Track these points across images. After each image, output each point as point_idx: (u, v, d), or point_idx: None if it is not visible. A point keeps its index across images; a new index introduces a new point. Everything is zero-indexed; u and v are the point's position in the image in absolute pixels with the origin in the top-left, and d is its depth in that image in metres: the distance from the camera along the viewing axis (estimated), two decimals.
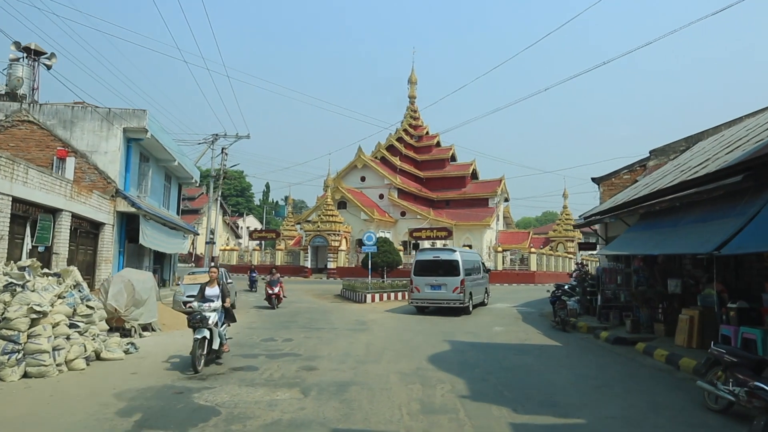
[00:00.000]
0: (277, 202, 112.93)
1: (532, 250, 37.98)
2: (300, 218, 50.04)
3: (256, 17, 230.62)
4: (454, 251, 18.39)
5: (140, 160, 17.95)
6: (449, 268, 17.26)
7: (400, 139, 54.79)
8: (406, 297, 21.93)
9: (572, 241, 47.30)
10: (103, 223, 14.85)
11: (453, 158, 56.87)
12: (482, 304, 20.21)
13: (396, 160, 50.74)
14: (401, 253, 38.52)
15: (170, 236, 20.27)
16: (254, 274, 27.98)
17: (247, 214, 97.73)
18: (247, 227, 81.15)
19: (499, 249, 38.37)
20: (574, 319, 13.83)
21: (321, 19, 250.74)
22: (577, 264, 23.74)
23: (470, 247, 39.32)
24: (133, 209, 15.57)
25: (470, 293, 17.92)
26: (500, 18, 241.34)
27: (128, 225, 16.58)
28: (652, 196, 10.35)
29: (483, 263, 22.34)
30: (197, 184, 27.35)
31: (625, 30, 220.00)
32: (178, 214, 25.31)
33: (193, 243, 74.05)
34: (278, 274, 19.39)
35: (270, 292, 18.30)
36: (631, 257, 13.47)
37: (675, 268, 12.02)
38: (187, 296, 15.07)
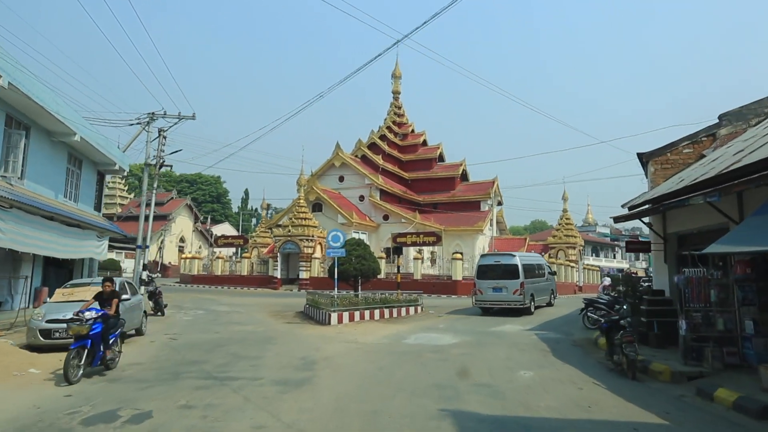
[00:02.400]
0: (256, 209, 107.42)
1: None
2: (270, 222, 44.74)
3: (244, 18, 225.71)
4: (514, 255, 19.32)
5: (5, 125, 12.70)
6: (509, 271, 18.23)
7: (383, 137, 49.98)
8: (386, 315, 16.94)
9: (574, 248, 42.68)
10: None
11: (441, 158, 52.16)
12: (549, 304, 21.42)
13: (378, 159, 45.83)
14: (382, 261, 33.50)
15: (67, 236, 14.99)
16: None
17: (222, 222, 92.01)
18: (221, 235, 75.53)
19: None
20: (642, 357, 8.83)
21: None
22: (617, 272, 18.92)
23: (461, 255, 34.41)
24: None
25: (531, 295, 18.84)
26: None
27: None
28: None
29: (548, 266, 23.45)
30: (125, 173, 22.04)
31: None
32: (97, 209, 19.97)
33: (160, 250, 68.58)
34: (113, 287, 11.44)
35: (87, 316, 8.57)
36: (730, 261, 8.65)
37: None
38: (49, 320, 9.93)
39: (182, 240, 74.74)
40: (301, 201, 38.22)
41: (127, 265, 63.97)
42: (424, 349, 10.67)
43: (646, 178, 14.24)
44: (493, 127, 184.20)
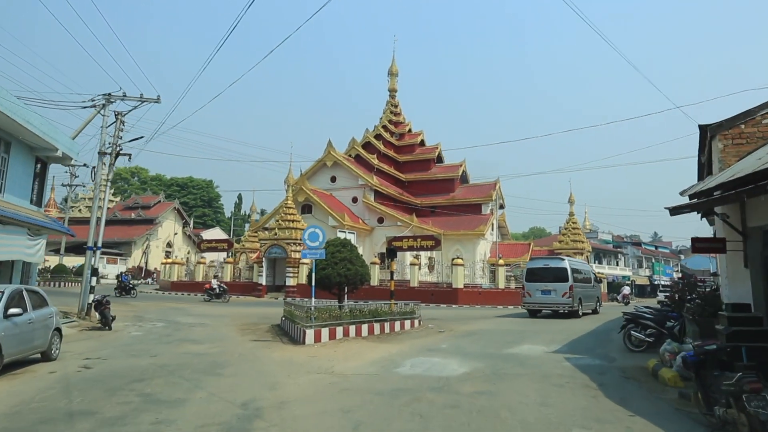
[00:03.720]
0: (249, 214, 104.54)
1: None
2: (257, 225, 41.71)
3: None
4: (563, 259, 19.98)
5: None
6: (558, 274, 18.70)
7: (378, 137, 47.16)
8: (377, 331, 13.96)
9: (582, 253, 39.73)
10: None
11: (439, 159, 49.31)
12: (594, 311, 21.53)
13: (373, 159, 42.95)
14: (375, 267, 30.49)
15: None
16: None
17: (214, 227, 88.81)
18: (205, 239, 72.30)
19: (501, 262, 30.53)
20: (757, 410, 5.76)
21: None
22: (680, 279, 15.90)
23: (461, 260, 31.45)
24: None
25: (579, 299, 19.25)
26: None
27: None
28: None
29: (594, 273, 23.99)
30: (72, 162, 19.01)
31: None
32: (37, 204, 16.91)
33: (145, 255, 65.28)
34: None
35: None
36: None
37: None
38: None
39: (169, 245, 71.53)
40: (289, 202, 35.31)
41: (109, 270, 60.86)
42: (423, 385, 7.66)
43: (702, 159, 11.36)
44: (492, 129, 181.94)
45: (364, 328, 13.75)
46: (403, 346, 12.14)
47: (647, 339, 10.84)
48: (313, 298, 13.25)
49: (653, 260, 75.54)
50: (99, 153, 18.71)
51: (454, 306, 28.56)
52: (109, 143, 18.81)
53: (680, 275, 31.03)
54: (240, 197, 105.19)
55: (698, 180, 12.95)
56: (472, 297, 29.76)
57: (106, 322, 15.41)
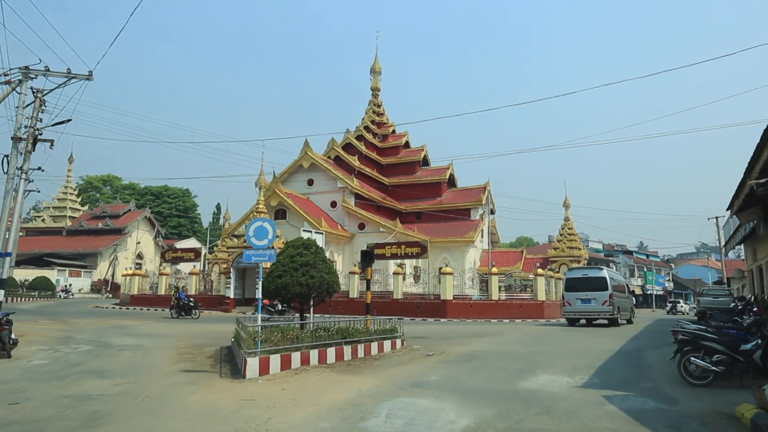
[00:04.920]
0: (224, 223, 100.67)
1: (539, 272, 27.34)
2: (226, 232, 38.32)
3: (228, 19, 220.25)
4: (602, 269, 20.70)
5: None
6: (597, 283, 19.30)
7: (360, 138, 44.22)
8: (347, 356, 10.84)
9: (578, 261, 37.02)
10: None
11: (425, 162, 46.48)
12: (629, 322, 21.98)
13: (354, 160, 39.95)
14: (355, 277, 27.36)
15: None
16: None
17: (189, 237, 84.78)
18: (171, 248, 68.34)
19: (494, 270, 27.55)
20: None
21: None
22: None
23: (450, 269, 28.47)
24: None
25: (618, 307, 19.68)
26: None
27: None
28: None
29: (627, 285, 24.82)
30: None
31: None
32: None
33: (112, 266, 61.03)
34: None
35: None
36: None
37: None
38: None
39: (140, 256, 67.44)
40: (260, 206, 32.10)
41: (71, 283, 56.67)
42: None
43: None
44: (483, 134, 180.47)
45: (330, 352, 10.58)
46: (379, 379, 9.00)
47: (714, 368, 7.87)
48: (260, 315, 10.08)
49: (645, 269, 73.39)
50: (12, 138, 15.35)
51: (442, 320, 25.47)
52: (26, 127, 15.50)
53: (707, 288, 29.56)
54: (218, 207, 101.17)
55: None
56: (463, 310, 26.72)
57: (2, 347, 12.05)
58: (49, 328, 19.96)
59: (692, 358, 8.06)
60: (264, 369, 9.12)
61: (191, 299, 26.27)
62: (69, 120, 15.58)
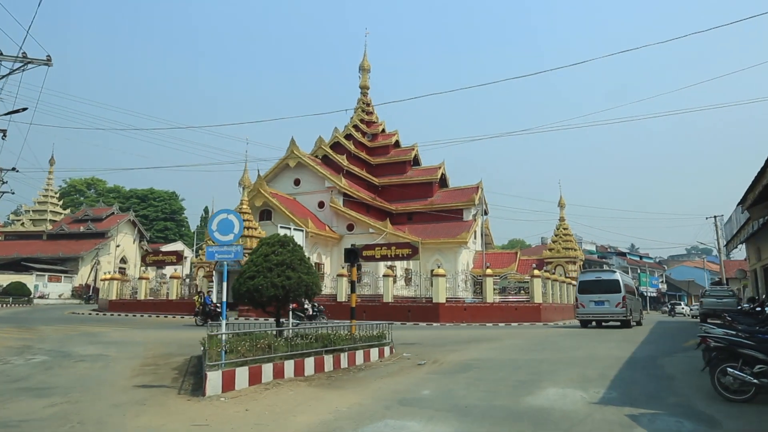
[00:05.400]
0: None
1: (536, 273, 26.21)
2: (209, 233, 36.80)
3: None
4: (615, 272, 21.41)
5: None
6: (611, 286, 19.71)
7: (348, 137, 42.98)
8: (328, 367, 9.56)
9: (574, 262, 35.99)
10: None
11: (416, 161, 45.33)
12: (638, 323, 22.29)
13: (342, 159, 38.70)
14: (343, 280, 26.08)
15: None
16: None
17: (176, 240, 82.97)
18: (151, 251, 66.51)
19: (489, 271, 26.37)
20: None
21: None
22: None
23: (443, 271, 27.29)
24: None
25: (630, 309, 20.21)
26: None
27: None
28: None
29: (636, 288, 26.40)
30: None
31: None
32: None
33: (93, 271, 59.05)
34: None
35: None
36: None
37: None
38: None
39: (124, 260, 65.56)
40: (244, 207, 30.71)
41: (51, 289, 54.73)
42: None
43: None
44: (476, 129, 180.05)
45: (309, 363, 9.29)
46: (363, 394, 7.74)
47: (756, 381, 6.69)
48: (224, 322, 8.79)
49: (639, 271, 72.72)
50: None
51: (435, 324, 24.23)
52: None
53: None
54: (207, 210, 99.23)
55: None
56: (456, 313, 25.51)
57: None
58: (9, 336, 18.44)
59: (729, 369, 6.87)
60: (228, 384, 7.82)
61: (218, 305, 22.55)
62: (24, 109, 14.17)
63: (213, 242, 8.87)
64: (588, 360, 10.93)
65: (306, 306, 22.51)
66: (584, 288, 20.57)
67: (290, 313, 20.91)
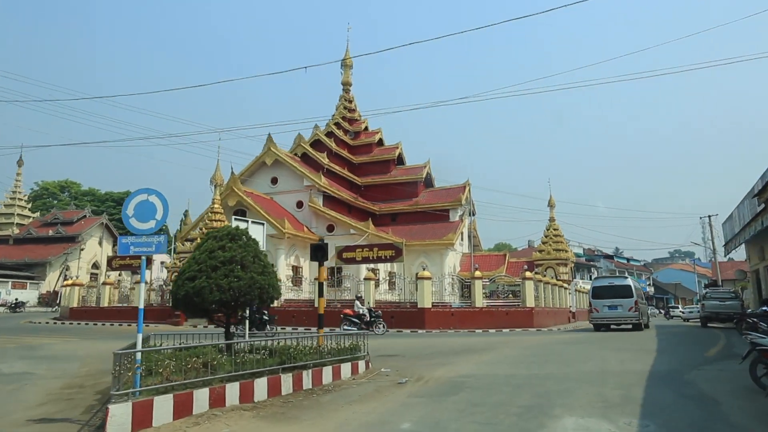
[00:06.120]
0: (180, 228, 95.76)
1: (528, 275, 24.51)
2: (180, 236, 34.65)
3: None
4: (627, 277, 23.31)
5: None
6: (623, 291, 20.56)
7: (330, 134, 41.13)
8: (287, 389, 7.57)
9: (565, 264, 34.47)
10: None
11: (400, 161, 43.60)
12: (646, 326, 22.57)
13: (323, 158, 36.80)
14: (323, 284, 24.02)
15: None
16: None
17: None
18: (115, 255, 63.66)
19: (477, 274, 24.62)
20: None
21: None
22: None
23: (429, 273, 25.52)
24: None
25: (641, 313, 21.14)
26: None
27: None
28: None
29: (644, 292, 28.11)
30: None
31: None
32: None
33: (64, 275, 56.01)
34: None
35: None
36: None
37: None
38: None
39: (96, 266, 62.62)
40: (216, 206, 28.68)
41: (16, 296, 51.68)
42: None
43: None
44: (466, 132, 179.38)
45: (260, 385, 7.37)
46: (323, 429, 5.85)
47: None
48: (139, 336, 6.81)
49: (626, 273, 71.72)
50: None
51: (420, 331, 22.40)
52: None
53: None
54: (186, 213, 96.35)
55: None
56: (443, 319, 23.71)
57: None
58: None
59: None
60: (142, 420, 5.86)
61: (265, 312, 18.45)
62: None
63: (130, 232, 6.83)
64: (602, 375, 9.15)
65: (361, 311, 20.52)
66: (598, 293, 21.21)
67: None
